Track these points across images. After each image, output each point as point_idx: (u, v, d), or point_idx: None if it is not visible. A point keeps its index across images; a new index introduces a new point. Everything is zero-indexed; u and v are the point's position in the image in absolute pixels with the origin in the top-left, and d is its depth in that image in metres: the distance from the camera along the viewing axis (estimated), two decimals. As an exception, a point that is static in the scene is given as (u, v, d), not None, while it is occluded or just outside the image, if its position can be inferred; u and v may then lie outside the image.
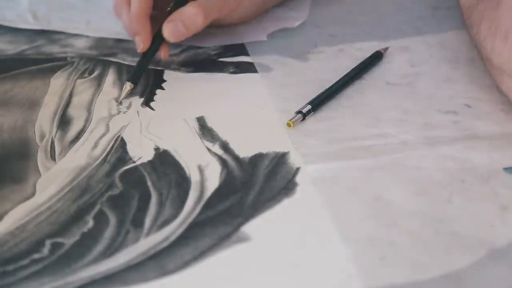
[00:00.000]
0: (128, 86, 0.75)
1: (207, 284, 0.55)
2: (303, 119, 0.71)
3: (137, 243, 0.58)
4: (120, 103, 0.74)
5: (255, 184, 0.64)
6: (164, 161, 0.66)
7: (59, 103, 0.74)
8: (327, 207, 0.61)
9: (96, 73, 0.79)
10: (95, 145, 0.68)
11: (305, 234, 0.59)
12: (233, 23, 0.84)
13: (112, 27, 0.86)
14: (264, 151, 0.67)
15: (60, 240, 0.59)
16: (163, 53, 0.79)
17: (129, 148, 0.68)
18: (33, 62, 0.81)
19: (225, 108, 0.73)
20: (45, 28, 0.86)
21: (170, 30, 0.77)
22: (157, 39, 0.78)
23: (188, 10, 0.77)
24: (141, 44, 0.77)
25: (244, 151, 0.67)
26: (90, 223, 0.60)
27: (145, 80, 0.78)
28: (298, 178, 0.64)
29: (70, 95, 0.76)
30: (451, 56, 0.80)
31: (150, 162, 0.66)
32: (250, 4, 0.83)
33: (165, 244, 0.58)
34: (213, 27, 0.83)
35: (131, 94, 0.75)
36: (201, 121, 0.71)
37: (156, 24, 0.78)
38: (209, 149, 0.68)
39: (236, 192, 0.63)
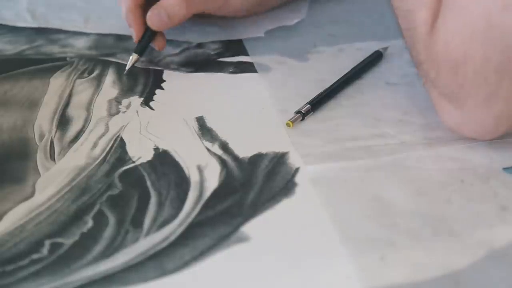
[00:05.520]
0: (135, 56, 0.77)
1: (207, 284, 0.55)
2: (303, 119, 0.70)
3: (137, 243, 0.58)
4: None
5: (254, 184, 0.63)
6: (163, 161, 0.66)
7: (58, 103, 0.74)
8: (326, 207, 0.61)
9: (95, 73, 0.79)
10: (95, 145, 0.68)
11: (305, 234, 0.59)
12: (228, 15, 0.84)
13: (111, 25, 0.86)
14: (263, 151, 0.67)
15: (59, 240, 0.59)
16: (157, 45, 0.80)
17: (129, 148, 0.68)
18: (33, 62, 0.81)
19: (224, 108, 0.73)
20: (43, 26, 0.86)
21: (154, 19, 0.79)
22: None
23: (171, 0, 0.79)
24: (135, 35, 0.80)
25: (244, 151, 0.67)
26: (90, 223, 0.60)
27: (145, 80, 0.78)
28: (298, 178, 0.64)
29: (70, 95, 0.75)
30: (450, 56, 0.79)
31: (149, 162, 0.66)
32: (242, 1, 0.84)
33: (164, 244, 0.58)
34: (212, 21, 0.84)
35: (130, 93, 0.75)
36: (200, 121, 0.71)
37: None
38: (208, 149, 0.68)
39: (236, 192, 0.63)
